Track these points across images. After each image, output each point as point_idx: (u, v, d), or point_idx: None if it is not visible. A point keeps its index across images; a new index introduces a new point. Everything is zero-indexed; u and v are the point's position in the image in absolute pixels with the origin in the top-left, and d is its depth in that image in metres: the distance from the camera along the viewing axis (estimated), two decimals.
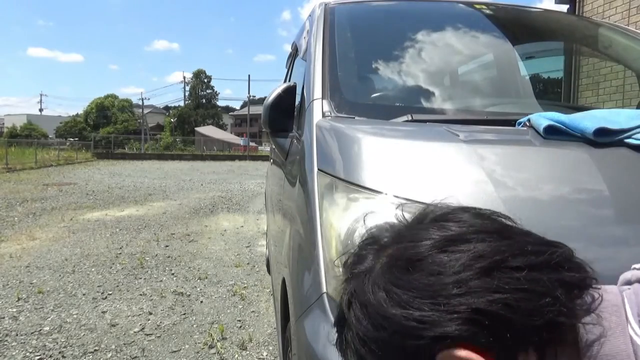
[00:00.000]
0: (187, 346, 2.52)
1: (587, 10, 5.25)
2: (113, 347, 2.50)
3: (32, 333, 2.65)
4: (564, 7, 5.59)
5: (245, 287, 3.51)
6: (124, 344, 2.54)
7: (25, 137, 34.63)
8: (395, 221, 0.62)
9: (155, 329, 2.73)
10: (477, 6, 1.97)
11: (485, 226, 0.51)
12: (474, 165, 0.87)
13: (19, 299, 3.18)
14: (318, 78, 1.44)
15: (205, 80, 54.11)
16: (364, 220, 0.82)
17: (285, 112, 1.51)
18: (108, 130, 42.34)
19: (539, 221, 0.76)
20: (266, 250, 3.80)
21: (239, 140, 41.91)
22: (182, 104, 53.58)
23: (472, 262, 0.46)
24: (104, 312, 2.97)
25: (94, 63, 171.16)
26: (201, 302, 3.19)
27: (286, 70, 3.06)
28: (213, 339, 2.58)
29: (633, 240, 0.76)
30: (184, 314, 2.97)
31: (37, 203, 7.79)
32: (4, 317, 2.87)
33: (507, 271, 0.46)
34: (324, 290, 0.86)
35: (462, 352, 0.44)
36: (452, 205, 0.57)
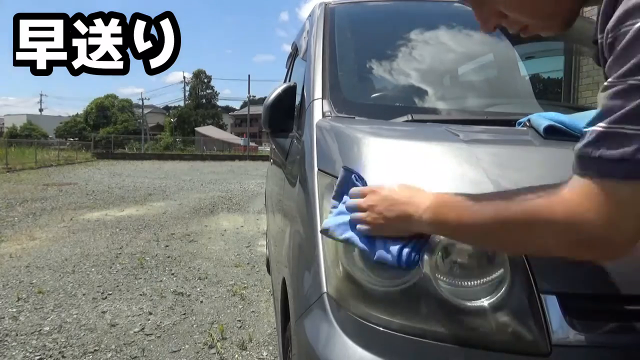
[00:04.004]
0: (187, 346, 2.52)
1: (587, 9, 5.25)
2: (113, 347, 2.50)
3: (32, 333, 2.65)
4: None
5: (245, 287, 3.51)
6: (124, 344, 2.54)
7: (25, 137, 34.62)
8: None
9: (155, 329, 2.73)
10: None
11: None
12: (473, 165, 0.88)
13: (19, 299, 3.18)
14: (318, 78, 1.44)
15: (205, 80, 54.12)
16: None
17: (285, 112, 1.51)
18: (108, 130, 42.30)
19: None
20: (266, 250, 3.80)
21: (239, 140, 41.92)
22: (182, 104, 53.63)
23: None
24: (104, 312, 2.97)
25: None
26: (201, 302, 3.19)
27: (286, 70, 3.06)
28: (213, 339, 2.58)
29: None
30: (184, 314, 2.97)
31: (37, 203, 7.79)
32: (4, 317, 2.87)
33: None
34: (324, 290, 0.86)
35: None
36: None
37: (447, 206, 0.66)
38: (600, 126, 0.49)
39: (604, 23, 0.51)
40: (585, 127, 0.53)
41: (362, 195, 0.78)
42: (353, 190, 0.80)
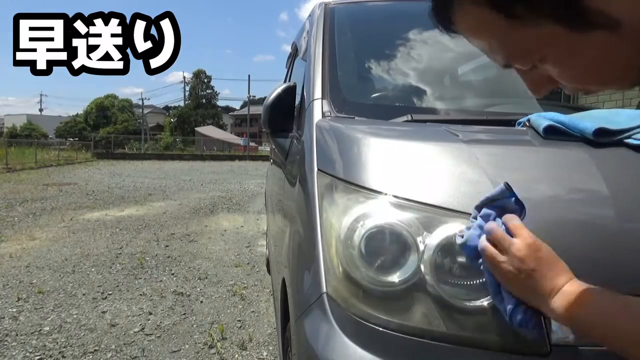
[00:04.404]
0: (187, 346, 2.52)
1: None
2: (113, 347, 2.50)
3: (32, 333, 2.65)
4: None
5: (245, 287, 3.51)
6: (124, 344, 2.54)
7: (25, 137, 34.60)
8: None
9: (155, 329, 2.73)
10: None
11: None
12: (473, 165, 0.88)
13: (19, 299, 3.18)
14: (318, 78, 1.44)
15: (205, 80, 54.10)
16: (364, 221, 0.82)
17: (285, 112, 1.51)
18: (108, 130, 42.30)
19: (538, 221, 0.76)
20: (266, 250, 3.80)
21: (239, 140, 41.92)
22: (182, 104, 53.61)
23: None
24: (104, 312, 2.97)
25: None
26: (201, 302, 3.19)
27: (286, 70, 3.06)
28: (213, 339, 2.58)
29: (632, 240, 0.76)
30: (184, 314, 2.97)
31: (37, 203, 7.79)
32: (4, 317, 2.87)
33: None
34: (324, 290, 0.86)
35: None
36: None
37: (583, 304, 0.59)
38: None
39: None
40: None
41: (512, 232, 0.67)
42: (510, 220, 0.69)
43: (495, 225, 0.68)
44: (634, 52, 0.46)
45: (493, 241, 0.67)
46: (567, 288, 0.61)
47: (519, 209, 0.71)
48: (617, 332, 0.56)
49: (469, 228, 0.72)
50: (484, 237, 0.69)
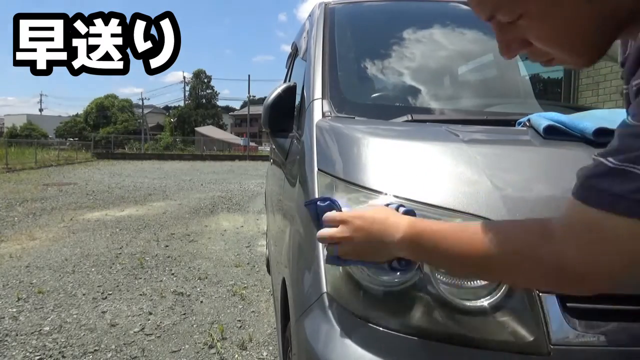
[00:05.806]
0: (187, 346, 2.52)
1: None
2: (113, 347, 2.50)
3: (32, 333, 2.65)
4: None
5: (245, 287, 3.51)
6: (124, 344, 2.53)
7: (25, 137, 34.57)
8: None
9: (155, 329, 2.73)
10: None
11: None
12: (473, 165, 0.88)
13: (19, 299, 3.18)
14: (318, 78, 1.44)
15: (205, 80, 54.06)
16: None
17: (285, 112, 1.51)
18: (108, 130, 42.28)
19: None
20: (266, 250, 3.80)
21: (239, 140, 41.93)
22: (182, 104, 53.57)
23: None
24: (104, 312, 2.97)
25: None
26: (201, 302, 3.19)
27: (286, 70, 3.06)
28: (213, 339, 2.58)
29: None
30: (184, 314, 2.97)
31: (37, 203, 7.79)
32: (4, 317, 2.87)
33: None
34: (324, 290, 0.86)
35: None
36: None
37: (424, 237, 0.64)
38: (611, 161, 0.49)
39: (630, 74, 0.53)
40: (595, 156, 0.52)
41: (335, 223, 0.73)
42: (326, 217, 0.75)
43: (321, 233, 0.74)
44: (596, 24, 0.53)
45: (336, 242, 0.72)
46: (403, 233, 0.65)
47: (332, 204, 0.77)
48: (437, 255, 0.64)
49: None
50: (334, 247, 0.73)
